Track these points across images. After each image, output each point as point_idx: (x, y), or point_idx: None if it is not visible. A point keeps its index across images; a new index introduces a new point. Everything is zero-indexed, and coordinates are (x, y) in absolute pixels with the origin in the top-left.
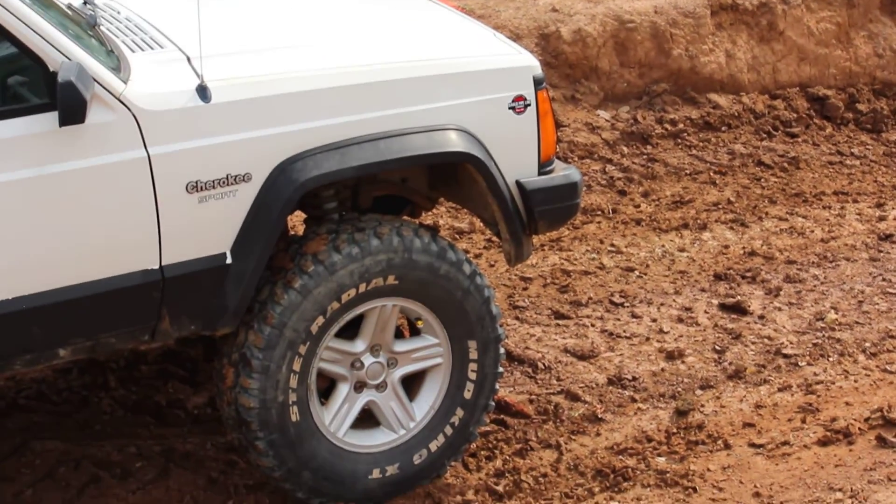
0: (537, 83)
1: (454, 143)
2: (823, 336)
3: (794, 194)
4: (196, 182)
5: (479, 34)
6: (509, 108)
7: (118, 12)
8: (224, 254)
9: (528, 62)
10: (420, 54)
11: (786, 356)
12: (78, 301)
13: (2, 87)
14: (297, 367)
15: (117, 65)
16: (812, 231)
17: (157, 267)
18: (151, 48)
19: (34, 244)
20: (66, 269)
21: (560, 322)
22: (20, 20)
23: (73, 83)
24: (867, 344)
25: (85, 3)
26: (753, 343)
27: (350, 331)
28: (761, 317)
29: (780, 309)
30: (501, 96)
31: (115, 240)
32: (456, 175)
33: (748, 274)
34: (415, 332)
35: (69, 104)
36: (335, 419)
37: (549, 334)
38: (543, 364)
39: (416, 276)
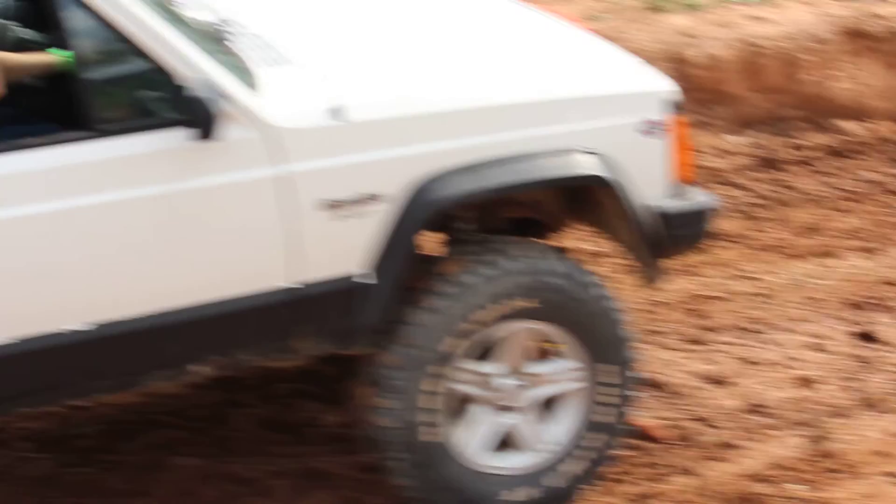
0: (672, 107)
1: (588, 166)
2: None
3: None
4: (330, 200)
5: (615, 57)
6: (643, 132)
7: (250, 28)
8: (358, 273)
9: (663, 86)
10: (555, 76)
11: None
12: (212, 318)
13: (132, 102)
14: (430, 387)
15: (249, 81)
16: None
17: (290, 285)
18: (284, 64)
19: (166, 261)
20: (198, 287)
21: (692, 347)
22: (152, 35)
23: (205, 99)
24: None
25: (216, 17)
26: (886, 371)
27: (484, 352)
28: (894, 345)
29: None
30: (636, 120)
31: (248, 258)
32: (589, 198)
33: (880, 302)
34: (547, 354)
35: (201, 120)
36: (469, 440)
37: (681, 359)
38: (676, 389)
39: (549, 299)
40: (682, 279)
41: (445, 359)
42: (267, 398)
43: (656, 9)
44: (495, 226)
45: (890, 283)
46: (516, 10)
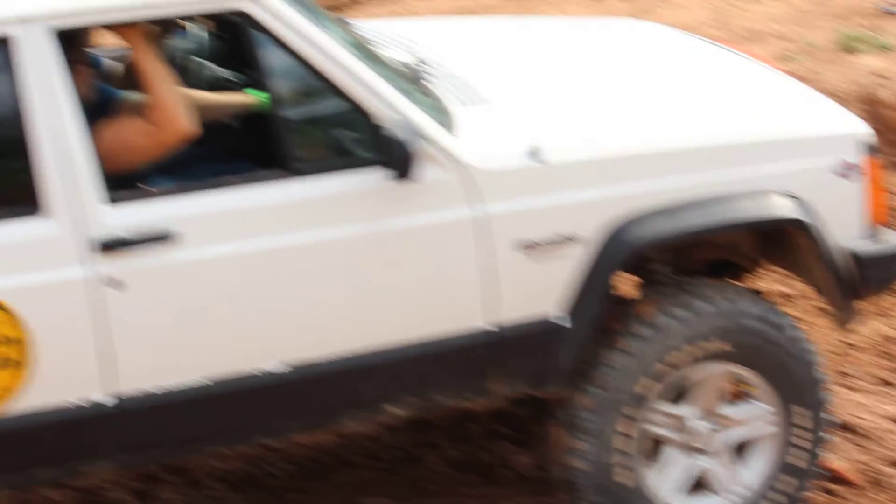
0: (867, 149)
1: (783, 208)
2: None
3: None
4: (528, 241)
5: (810, 98)
6: (838, 174)
7: (449, 69)
8: (554, 314)
9: (858, 128)
10: (752, 118)
11: None
12: (408, 359)
13: (329, 142)
14: (625, 429)
15: (447, 121)
16: None
17: (487, 326)
18: (482, 106)
19: (363, 301)
20: (396, 327)
21: (886, 389)
22: (351, 75)
23: (404, 139)
24: None
25: (414, 58)
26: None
27: (678, 394)
28: None
29: None
30: (833, 162)
31: (446, 298)
32: (783, 239)
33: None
34: (741, 396)
35: (399, 160)
36: (662, 483)
37: (874, 402)
38: (868, 432)
39: (744, 341)
40: (875, 321)
41: (640, 401)
42: (459, 439)
43: (849, 50)
44: (690, 267)
45: None
46: (711, 51)
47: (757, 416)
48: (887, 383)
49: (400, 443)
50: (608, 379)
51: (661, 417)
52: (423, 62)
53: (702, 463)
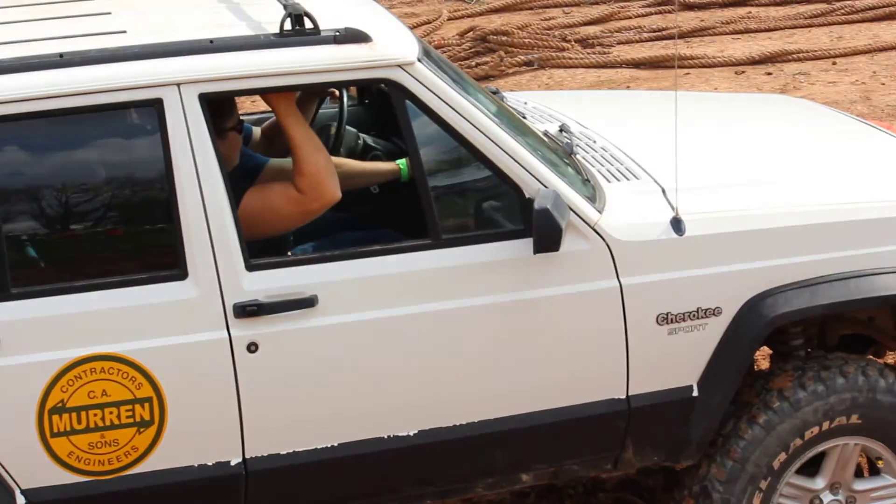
0: None
1: None
2: None
3: None
4: (667, 314)
5: None
6: None
7: (594, 141)
8: (691, 386)
9: None
10: (890, 194)
11: None
12: (543, 427)
13: (475, 212)
14: (757, 502)
15: (592, 194)
16: None
17: (624, 396)
18: (627, 178)
19: (502, 368)
20: (532, 395)
21: None
22: (498, 146)
23: (550, 211)
24: None
25: (561, 130)
26: None
27: (811, 468)
28: None
29: None
30: None
31: (584, 368)
32: None
33: None
34: (874, 471)
35: (545, 232)
36: None
37: None
38: None
39: (879, 416)
40: None
41: (775, 474)
42: None
43: None
44: (828, 341)
45: None
46: (858, 127)
47: (889, 491)
48: None
49: None
50: (742, 451)
51: (792, 490)
52: (571, 135)
53: None
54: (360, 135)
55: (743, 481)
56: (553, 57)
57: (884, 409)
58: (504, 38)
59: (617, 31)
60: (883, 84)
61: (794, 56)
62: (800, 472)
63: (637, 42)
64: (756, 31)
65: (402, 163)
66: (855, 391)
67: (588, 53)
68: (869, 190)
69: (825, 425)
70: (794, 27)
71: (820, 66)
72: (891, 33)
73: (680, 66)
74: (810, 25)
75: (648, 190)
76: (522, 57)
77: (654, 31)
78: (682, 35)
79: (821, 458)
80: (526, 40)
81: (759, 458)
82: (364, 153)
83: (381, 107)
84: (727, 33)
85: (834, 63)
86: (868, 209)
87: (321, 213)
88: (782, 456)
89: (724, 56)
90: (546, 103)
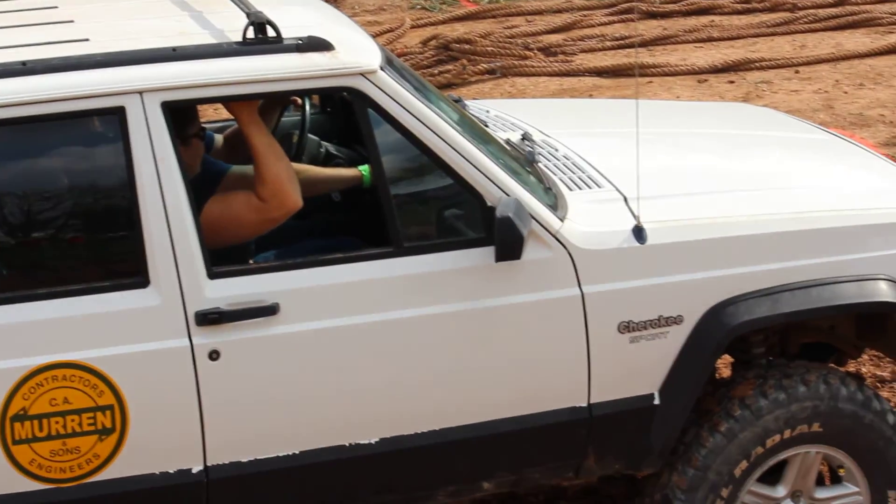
0: None
1: (884, 293)
2: None
3: None
4: (628, 322)
5: None
6: None
7: (556, 150)
8: (652, 394)
9: None
10: (851, 203)
11: None
12: (505, 435)
13: (437, 220)
14: None
15: (554, 202)
16: None
17: (585, 405)
18: (588, 187)
19: (464, 376)
20: (494, 403)
21: None
22: (461, 154)
23: (512, 219)
24: None
25: (523, 138)
26: None
27: (771, 476)
28: None
29: None
30: None
31: (546, 376)
32: (883, 324)
33: None
34: (835, 479)
35: (507, 240)
36: None
37: None
38: None
39: (841, 424)
40: None
41: (736, 482)
42: None
43: None
44: (789, 350)
45: None
46: (819, 136)
47: (849, 499)
48: None
49: None
50: (704, 459)
51: (753, 498)
52: (533, 143)
53: None
54: (323, 143)
55: (704, 489)
56: (516, 65)
57: (845, 418)
58: (467, 47)
59: (580, 40)
60: (845, 93)
61: (757, 64)
62: (761, 480)
63: (600, 50)
64: (719, 39)
65: (364, 169)
66: (816, 399)
67: (551, 62)
68: (830, 199)
69: (786, 433)
70: (757, 35)
71: (783, 75)
72: (853, 42)
73: (642, 75)
74: (773, 34)
75: (610, 198)
76: (485, 65)
77: (617, 40)
78: (645, 43)
79: (782, 466)
80: (489, 48)
81: (720, 466)
82: (326, 161)
83: (343, 115)
84: (690, 42)
85: (797, 72)
86: (830, 218)
87: (283, 221)
88: (744, 464)
89: (687, 64)
90: (508, 111)
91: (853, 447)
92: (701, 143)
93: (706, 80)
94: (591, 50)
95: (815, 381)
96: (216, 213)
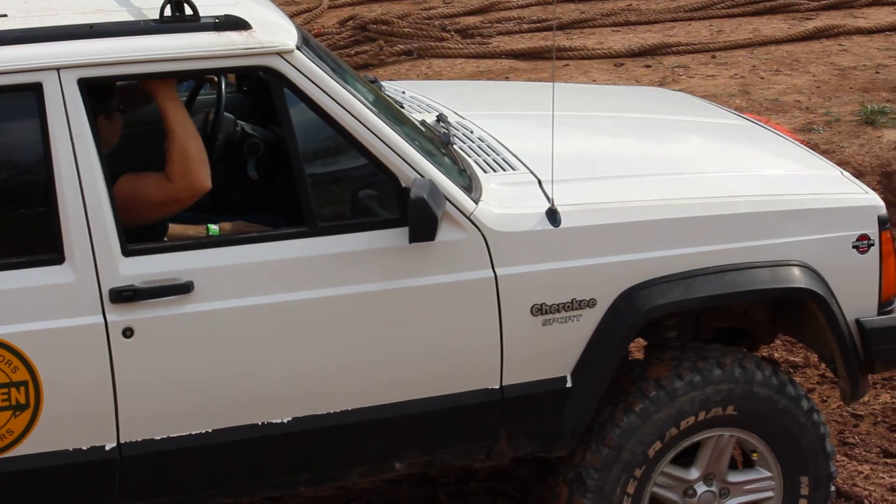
0: (882, 223)
1: (798, 279)
2: None
3: None
4: (541, 305)
5: (826, 170)
6: (853, 247)
7: (471, 132)
8: (565, 377)
9: (873, 202)
10: (766, 188)
11: None
12: (417, 416)
13: (353, 200)
14: (630, 489)
15: (469, 184)
16: None
17: (497, 387)
18: (503, 169)
19: (378, 356)
20: (406, 384)
21: (889, 461)
22: (376, 135)
23: (426, 200)
24: None
25: (438, 120)
26: None
27: (685, 458)
28: None
29: None
30: (846, 234)
31: (458, 357)
32: (797, 310)
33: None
34: (748, 463)
35: (420, 221)
36: None
37: (877, 472)
38: (870, 502)
39: (755, 409)
40: (883, 392)
41: (650, 462)
42: (459, 497)
43: (871, 123)
44: (702, 334)
45: None
46: (735, 121)
47: (761, 484)
48: (890, 454)
49: (400, 498)
50: (618, 439)
51: (667, 480)
52: (448, 125)
53: None
54: (238, 122)
55: (617, 469)
56: (432, 47)
57: (759, 402)
58: (384, 28)
59: (497, 22)
60: (762, 78)
61: (674, 49)
62: (675, 461)
63: (517, 33)
64: (636, 23)
65: (211, 228)
66: (731, 382)
67: (467, 44)
68: (745, 185)
69: (701, 415)
70: (675, 20)
71: (699, 60)
72: (771, 28)
73: (559, 58)
74: (690, 19)
75: (525, 181)
76: (402, 46)
77: (535, 23)
78: (562, 27)
79: (696, 449)
80: (406, 30)
81: (634, 445)
82: (241, 140)
83: (259, 94)
84: (607, 25)
85: (713, 56)
86: (744, 204)
87: (191, 202)
88: (658, 444)
89: (604, 48)
90: (424, 93)
91: (767, 432)
92: (616, 126)
93: (623, 64)
94: (508, 32)
95: (731, 365)
96: (127, 191)
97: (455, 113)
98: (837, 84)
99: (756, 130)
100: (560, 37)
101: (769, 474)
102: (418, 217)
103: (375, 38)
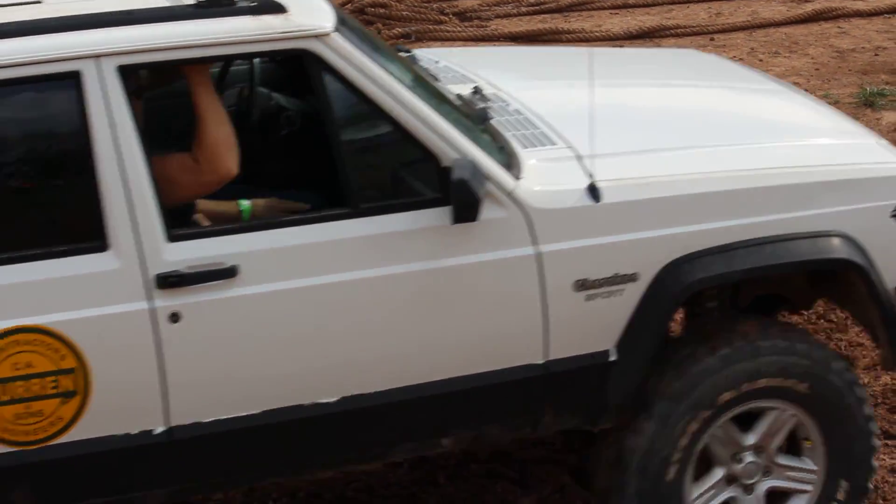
0: None
1: (838, 249)
2: None
3: None
4: (584, 280)
5: (861, 138)
6: (892, 216)
7: (507, 104)
8: (608, 350)
9: None
10: (804, 159)
11: None
12: (464, 392)
13: (394, 181)
14: (692, 429)
15: (508, 161)
16: None
17: (542, 361)
18: (542, 144)
19: (423, 335)
20: (453, 361)
21: (889, 442)
22: (417, 116)
23: (468, 182)
24: None
25: (475, 92)
26: None
27: (744, 424)
28: None
29: None
30: (884, 204)
31: (503, 334)
32: (839, 279)
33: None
34: (794, 451)
35: (464, 203)
36: (698, 498)
37: (877, 454)
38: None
39: (825, 395)
40: (883, 374)
41: (717, 409)
42: (461, 479)
43: (871, 105)
44: (741, 303)
45: None
46: (765, 85)
47: (804, 475)
48: (890, 435)
49: (401, 480)
50: (694, 376)
51: (723, 435)
52: (485, 99)
53: (737, 496)
54: (273, 94)
55: (687, 404)
56: (430, 30)
57: (830, 390)
58: (382, 11)
59: (495, 5)
60: (760, 60)
61: (672, 31)
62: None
63: (515, 16)
64: (634, 6)
65: (242, 204)
66: (812, 360)
67: (466, 27)
68: (783, 155)
69: (777, 381)
70: (673, 3)
71: (698, 42)
72: (769, 10)
73: (557, 41)
74: (689, 1)
75: (564, 156)
76: (400, 29)
77: (533, 5)
78: (561, 9)
79: (755, 418)
80: (404, 13)
81: (707, 388)
82: (277, 113)
83: (292, 66)
84: (606, 8)
85: (712, 39)
86: (785, 175)
87: (218, 187)
88: (730, 393)
89: (602, 31)
90: (458, 62)
91: (828, 423)
92: (653, 95)
93: (622, 47)
94: (507, 15)
95: (816, 345)
96: (154, 172)
97: (489, 84)
98: (836, 66)
99: (790, 95)
100: (558, 19)
101: (815, 468)
102: (461, 199)
103: (373, 21)
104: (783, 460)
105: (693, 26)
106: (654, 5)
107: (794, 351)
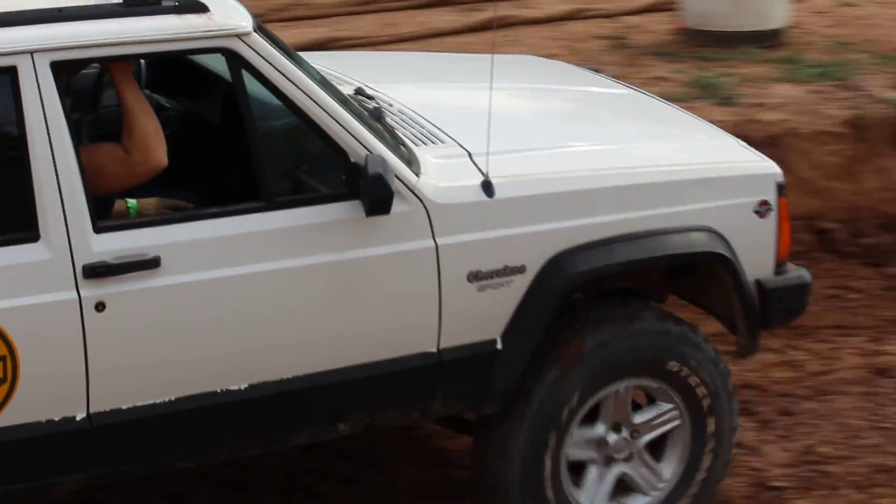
0: (779, 189)
1: (708, 243)
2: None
3: (791, 326)
4: (477, 272)
5: (723, 139)
6: (754, 212)
7: (391, 105)
8: (495, 339)
9: (772, 169)
10: (678, 159)
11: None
12: (362, 380)
13: (305, 175)
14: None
15: (408, 158)
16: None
17: (435, 350)
18: (433, 143)
19: (331, 324)
20: (356, 349)
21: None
22: (329, 115)
23: (383, 177)
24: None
25: (357, 93)
26: (742, 475)
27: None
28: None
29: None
30: (749, 200)
31: (401, 323)
32: (698, 272)
33: (742, 406)
34: (651, 400)
35: (379, 197)
36: (592, 498)
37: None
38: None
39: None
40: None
41: (564, 425)
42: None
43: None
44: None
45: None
46: (615, 90)
47: (667, 416)
48: (749, 413)
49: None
50: (541, 400)
51: (582, 442)
52: (372, 99)
53: (623, 468)
54: (153, 95)
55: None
56: None
57: (646, 350)
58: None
59: None
60: None
61: (346, 42)
62: (585, 422)
63: None
64: (303, 18)
65: (130, 203)
66: (640, 338)
67: None
68: (660, 155)
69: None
70: (342, 14)
71: None
72: (441, 20)
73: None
74: (359, 13)
75: (455, 154)
76: None
77: None
78: None
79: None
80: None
81: (555, 408)
82: (158, 113)
83: (174, 67)
84: (274, 21)
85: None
86: (659, 173)
87: (147, 177)
88: (574, 405)
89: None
90: (327, 65)
91: (655, 370)
92: (531, 95)
93: None
94: None
95: (643, 321)
96: (83, 161)
97: (366, 86)
98: None
99: (641, 98)
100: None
101: (671, 406)
102: (377, 193)
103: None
104: (641, 417)
105: (367, 37)
106: (323, 17)
107: (629, 336)
